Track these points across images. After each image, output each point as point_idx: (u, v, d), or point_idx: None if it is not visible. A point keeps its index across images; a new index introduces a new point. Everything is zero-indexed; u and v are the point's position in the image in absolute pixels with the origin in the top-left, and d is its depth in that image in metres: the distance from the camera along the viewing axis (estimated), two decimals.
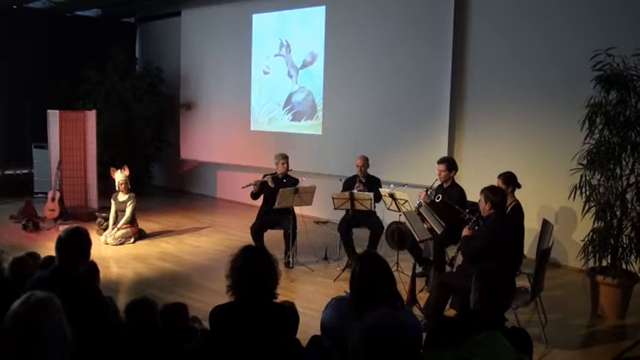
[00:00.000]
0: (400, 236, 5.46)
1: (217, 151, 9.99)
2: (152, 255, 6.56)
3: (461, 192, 5.48)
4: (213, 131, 10.04)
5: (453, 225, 5.01)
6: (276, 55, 9.03)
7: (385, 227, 5.82)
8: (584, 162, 4.72)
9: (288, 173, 6.33)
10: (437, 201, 5.45)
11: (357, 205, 6.03)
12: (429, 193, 5.59)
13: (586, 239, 4.81)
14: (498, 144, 6.92)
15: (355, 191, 6.11)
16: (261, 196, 6.35)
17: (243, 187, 6.33)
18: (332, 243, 6.72)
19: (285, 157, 6.29)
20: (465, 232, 4.45)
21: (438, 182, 5.62)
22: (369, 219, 6.13)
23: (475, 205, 4.63)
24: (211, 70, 9.94)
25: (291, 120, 9.06)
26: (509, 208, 4.93)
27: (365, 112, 8.05)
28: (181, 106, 10.39)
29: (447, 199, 5.36)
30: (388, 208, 5.95)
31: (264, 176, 6.34)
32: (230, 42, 9.52)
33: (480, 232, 4.27)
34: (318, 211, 8.13)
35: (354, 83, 8.13)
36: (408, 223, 5.15)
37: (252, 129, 9.50)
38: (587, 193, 4.68)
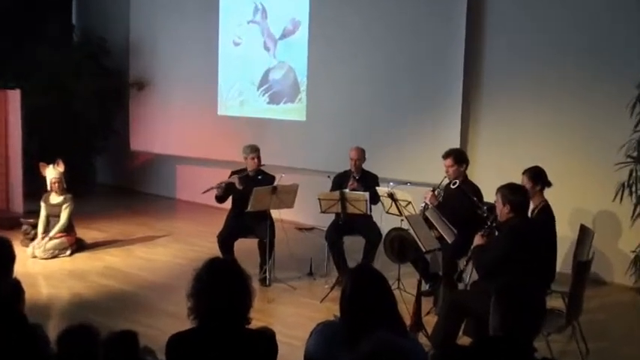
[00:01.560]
0: (402, 246, 5.49)
1: (176, 142, 9.97)
2: (94, 271, 6.58)
3: (475, 190, 5.55)
4: (172, 116, 10.02)
5: (467, 231, 5.03)
6: (249, 22, 9.05)
7: (384, 235, 5.85)
8: (635, 154, 4.63)
9: (262, 168, 6.39)
10: (452, 187, 5.51)
11: (349, 207, 6.07)
12: (436, 193, 5.62)
13: (638, 250, 4.75)
14: (522, 135, 6.99)
15: (347, 190, 6.16)
16: (230, 198, 6.41)
17: (203, 193, 6.38)
18: (318, 255, 6.76)
19: (256, 150, 6.34)
20: (478, 240, 4.47)
21: (447, 180, 5.68)
22: (363, 225, 6.21)
23: (493, 206, 4.65)
24: (169, 41, 9.82)
25: (268, 103, 9.06)
26: (536, 211, 4.98)
27: (359, 95, 8.12)
28: (131, 86, 10.32)
29: (459, 201, 5.44)
30: (387, 212, 5.98)
31: (232, 174, 6.39)
32: (192, 6, 9.49)
33: (498, 241, 4.31)
34: (301, 215, 8.18)
35: (346, 58, 8.17)
36: (411, 230, 5.17)
37: (219, 114, 9.51)
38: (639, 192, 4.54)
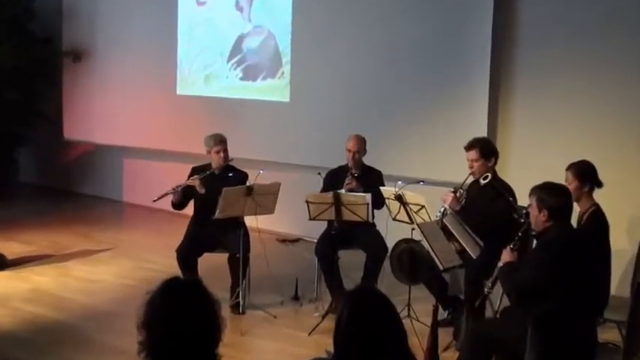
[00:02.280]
0: (413, 263, 5.51)
1: (123, 129, 9.99)
2: (17, 295, 6.57)
3: (508, 190, 5.58)
4: (117, 97, 10.02)
5: (498, 243, 5.02)
6: None
7: (390, 248, 5.84)
8: None
9: (231, 164, 6.49)
10: (481, 185, 5.55)
11: (345, 213, 6.09)
12: (458, 195, 5.64)
13: None
14: (566, 123, 7.06)
15: (343, 191, 6.19)
16: (192, 202, 6.51)
17: (155, 200, 6.43)
18: (306, 274, 6.80)
19: (222, 142, 6.41)
20: (506, 256, 4.51)
21: (472, 179, 5.72)
22: (364, 235, 6.26)
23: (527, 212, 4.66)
24: (112, 1, 9.94)
25: (242, 79, 9.09)
26: (584, 218, 5.02)
27: (358, 69, 8.16)
28: (65, 56, 10.35)
29: (489, 203, 5.46)
30: (394, 219, 6.01)
31: (193, 172, 6.46)
32: None
33: (533, 257, 4.34)
34: (283, 223, 8.20)
35: (342, 21, 8.20)
36: (425, 242, 5.19)
37: (179, 93, 9.55)
38: None
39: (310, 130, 8.49)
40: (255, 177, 6.24)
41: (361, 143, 6.42)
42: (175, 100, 9.52)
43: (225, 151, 6.42)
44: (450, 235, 5.33)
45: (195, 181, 6.29)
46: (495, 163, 5.69)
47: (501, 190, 5.41)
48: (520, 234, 4.57)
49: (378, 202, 6.11)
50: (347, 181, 6.26)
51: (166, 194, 6.35)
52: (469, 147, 5.65)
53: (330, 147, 7.38)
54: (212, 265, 6.33)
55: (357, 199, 6.03)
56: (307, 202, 6.11)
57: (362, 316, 2.63)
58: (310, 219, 6.17)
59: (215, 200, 6.02)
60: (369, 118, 7.92)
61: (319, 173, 6.49)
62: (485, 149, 5.63)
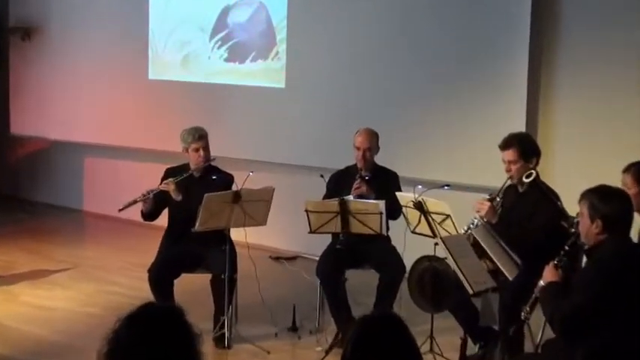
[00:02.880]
0: (437, 285, 5.49)
1: (84, 122, 10.01)
2: None
3: (553, 199, 5.57)
4: (75, 83, 10.04)
5: (540, 261, 4.98)
6: None
7: (408, 268, 5.85)
8: None
9: (213, 164, 6.52)
10: (526, 180, 5.50)
11: (354, 224, 6.09)
12: (495, 203, 5.62)
13: None
14: (619, 119, 7.04)
15: (351, 198, 6.16)
16: (166, 211, 6.55)
17: (120, 210, 6.40)
18: (305, 299, 6.82)
19: (202, 137, 6.44)
20: (550, 274, 4.50)
21: (510, 182, 5.72)
22: (377, 252, 6.29)
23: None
24: None
25: (227, 60, 9.12)
26: None
27: (369, 49, 8.18)
28: (11, 34, 10.36)
29: (532, 210, 5.46)
30: (413, 231, 6.02)
31: (167, 174, 6.49)
32: None
33: (583, 277, 4.33)
34: (278, 236, 8.23)
35: None
36: (451, 260, 5.18)
37: (150, 78, 9.59)
38: None
39: (311, 123, 8.50)
40: (244, 180, 6.20)
41: (373, 139, 6.44)
42: (147, 86, 9.55)
43: (207, 148, 6.44)
44: (481, 252, 5.32)
45: (170, 186, 6.31)
46: (537, 163, 5.66)
47: (548, 194, 5.42)
48: (567, 247, 4.56)
49: (394, 210, 6.12)
50: (355, 185, 6.27)
51: (135, 202, 6.35)
52: (505, 145, 5.62)
53: (335, 144, 7.41)
54: (191, 288, 6.33)
55: (368, 208, 6.03)
56: (307, 211, 6.12)
57: (374, 349, 2.63)
58: (311, 232, 6.19)
59: (194, 209, 6.03)
60: (383, 108, 7.93)
61: (322, 176, 6.47)
62: (525, 148, 5.60)
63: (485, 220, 5.54)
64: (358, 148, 6.41)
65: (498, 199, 5.65)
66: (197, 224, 6.03)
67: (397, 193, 6.12)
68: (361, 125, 6.60)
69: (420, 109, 7.93)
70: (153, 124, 9.34)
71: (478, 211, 5.60)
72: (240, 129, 8.70)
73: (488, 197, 5.67)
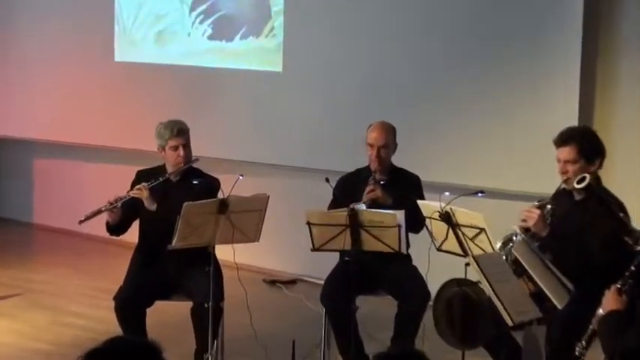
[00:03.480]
0: (468, 315, 5.47)
1: (33, 115, 10.05)
2: None
3: (618, 204, 5.55)
4: (23, 67, 10.09)
5: (600, 287, 4.94)
6: None
7: (433, 294, 5.84)
8: None
9: (194, 165, 6.55)
10: (578, 186, 5.45)
11: (367, 240, 6.09)
12: (545, 211, 5.61)
13: None
14: None
15: (363, 206, 6.19)
16: (137, 223, 6.56)
17: (81, 222, 6.44)
18: (307, 332, 6.85)
19: (181, 133, 6.47)
20: (611, 300, 4.51)
21: (564, 186, 5.71)
22: (395, 274, 6.33)
23: None
24: None
25: (211, 37, 9.19)
26: None
27: (385, 25, 8.20)
28: None
29: (589, 222, 5.46)
30: (439, 248, 6.01)
31: (138, 179, 6.52)
32: None
33: None
34: (273, 255, 8.29)
35: None
36: (486, 285, 5.17)
37: (117, 60, 9.64)
38: None
39: (314, 116, 8.53)
40: (232, 186, 6.16)
41: (389, 135, 6.49)
42: (112, 70, 9.59)
43: (187, 146, 6.46)
44: (521, 270, 5.33)
45: (143, 192, 6.32)
46: (600, 165, 5.64)
47: (609, 203, 5.37)
48: (633, 268, 4.57)
49: (415, 222, 6.13)
50: (368, 188, 6.30)
51: (99, 212, 6.36)
52: (562, 141, 5.61)
53: (344, 141, 7.48)
54: (168, 319, 6.41)
55: (384, 220, 6.01)
56: (309, 223, 6.11)
57: None
58: (314, 249, 6.18)
59: (171, 221, 5.98)
60: (401, 99, 7.97)
61: (327, 180, 6.43)
62: (588, 145, 5.58)
63: (534, 230, 5.51)
64: (372, 146, 6.44)
65: (549, 208, 5.62)
66: (174, 240, 5.98)
67: (419, 202, 6.10)
68: (375, 118, 6.63)
69: (448, 102, 7.98)
70: (120, 117, 9.37)
71: (524, 221, 5.57)
72: (228, 123, 8.75)
73: (536, 204, 5.65)
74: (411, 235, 6.24)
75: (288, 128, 8.65)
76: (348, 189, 6.50)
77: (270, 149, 8.67)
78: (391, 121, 6.60)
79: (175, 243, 6.01)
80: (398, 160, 6.56)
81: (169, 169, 6.49)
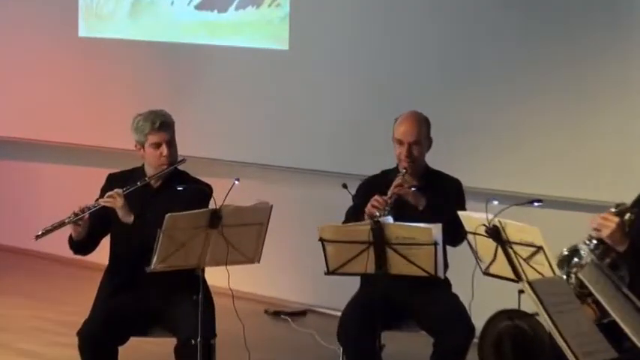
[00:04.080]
0: (521, 356, 5.43)
1: None
2: None
3: None
4: None
5: None
6: None
7: (478, 330, 5.81)
8: None
9: (181, 168, 6.61)
10: None
11: (394, 260, 6.08)
12: (626, 219, 5.50)
13: None
14: None
15: (390, 219, 6.16)
16: (108, 239, 6.60)
17: (38, 237, 6.41)
18: None
19: (165, 126, 6.51)
20: None
21: None
22: (429, 304, 6.37)
23: None
24: None
25: (200, 7, 9.28)
26: None
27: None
28: None
29: None
30: (486, 272, 5.96)
31: (109, 185, 6.58)
32: None
33: None
34: (278, 280, 8.35)
35: None
36: (545, 317, 5.13)
37: (82, 35, 9.75)
38: None
39: (329, 106, 8.59)
40: (227, 193, 6.12)
41: (422, 128, 6.54)
42: (76, 48, 9.71)
43: (172, 143, 6.50)
44: (586, 295, 5.33)
45: (117, 201, 6.34)
46: None
47: None
48: None
49: (455, 236, 6.17)
50: (395, 183, 6.39)
51: (61, 225, 6.35)
52: None
53: (365, 137, 7.57)
54: (145, 358, 6.35)
55: (417, 234, 5.97)
56: (322, 240, 6.09)
57: None
58: (328, 273, 6.15)
59: (151, 237, 5.96)
60: (437, 87, 8.06)
61: (345, 186, 6.44)
62: None
63: (605, 245, 5.44)
64: (400, 143, 6.49)
65: (629, 216, 5.55)
66: (154, 261, 5.94)
67: (461, 213, 6.05)
68: (403, 109, 6.70)
69: (497, 90, 8.08)
70: (86, 107, 9.46)
71: (597, 230, 5.49)
72: (221, 114, 8.82)
73: (614, 210, 5.55)
74: (450, 255, 6.27)
75: (296, 121, 8.72)
76: (370, 196, 6.44)
77: (273, 148, 8.73)
78: (427, 113, 6.63)
79: (155, 264, 5.96)
80: (433, 160, 6.60)
81: (149, 171, 6.52)
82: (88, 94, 9.51)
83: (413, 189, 6.43)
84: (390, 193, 6.28)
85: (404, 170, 6.48)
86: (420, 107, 6.72)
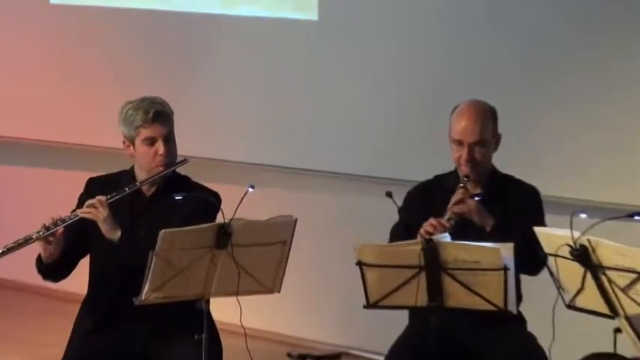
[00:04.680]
0: None
1: None
2: None
3: None
4: None
5: None
6: None
7: None
8: None
9: (178, 170, 6.65)
10: None
11: (452, 290, 6.00)
12: None
13: None
14: None
15: (446, 237, 6.10)
16: (88, 262, 6.59)
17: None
18: None
19: (161, 117, 6.50)
20: None
21: None
22: (498, 345, 6.34)
23: None
24: None
25: None
26: None
27: None
28: None
29: None
30: (570, 305, 5.89)
31: (89, 189, 6.63)
32: None
33: None
34: (303, 316, 8.33)
35: None
36: None
37: (54, 2, 9.86)
38: None
39: (365, 92, 8.57)
40: (239, 203, 6.07)
41: (487, 123, 6.52)
42: (47, 19, 9.83)
43: (170, 139, 6.49)
44: None
45: (99, 212, 6.29)
46: None
47: None
48: None
49: (531, 262, 6.13)
50: (456, 196, 6.37)
51: (27, 242, 6.33)
52: None
53: (414, 133, 7.58)
54: None
55: (482, 257, 5.86)
56: (360, 263, 6.01)
57: None
58: (368, 306, 6.08)
59: (140, 259, 5.89)
60: (509, 69, 8.12)
61: (389, 194, 6.36)
62: None
63: None
64: (459, 143, 6.46)
65: None
66: (145, 290, 5.88)
67: (539, 229, 5.97)
68: (462, 96, 6.73)
69: (585, 75, 8.17)
70: (61, 96, 9.45)
71: None
72: (233, 104, 8.81)
73: None
74: (524, 283, 6.32)
75: (327, 112, 8.75)
76: (422, 208, 6.52)
77: (296, 146, 8.77)
78: (497, 105, 6.67)
79: (146, 295, 5.90)
80: (502, 162, 6.61)
81: (141, 175, 6.50)
82: (62, 77, 9.55)
83: (476, 198, 6.40)
84: (448, 213, 6.24)
85: (465, 179, 6.45)
86: (489, 97, 6.71)
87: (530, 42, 8.26)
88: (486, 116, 6.50)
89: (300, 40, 8.91)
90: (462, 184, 6.40)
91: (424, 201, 6.58)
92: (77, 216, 6.30)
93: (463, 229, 6.24)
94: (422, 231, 6.24)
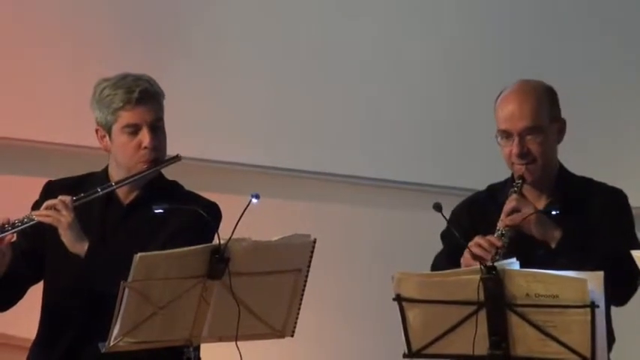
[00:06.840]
0: None
1: None
2: None
3: None
4: None
5: None
6: None
7: None
8: None
9: (162, 172, 6.53)
10: None
11: (521, 334, 5.66)
12: None
13: None
14: None
15: (513, 263, 5.78)
16: (41, 293, 6.48)
17: None
18: None
19: (148, 97, 6.31)
20: None
21: None
22: None
23: None
24: None
25: None
26: None
27: None
28: None
29: None
30: None
31: (48, 192, 6.45)
32: None
33: None
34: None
35: None
36: None
37: None
38: None
39: (402, 80, 8.31)
40: (239, 217, 5.67)
41: (542, 105, 6.32)
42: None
43: (157, 127, 6.30)
44: None
45: (61, 215, 6.05)
46: None
47: None
48: None
49: (620, 289, 5.97)
50: (508, 204, 6.14)
51: None
52: None
53: (465, 134, 7.36)
54: None
55: (559, 287, 5.48)
56: (399, 298, 5.64)
57: None
58: (409, 355, 5.72)
59: (111, 285, 5.58)
60: (573, 52, 7.94)
61: (438, 207, 6.00)
62: None
63: None
64: (507, 134, 6.27)
65: None
66: (114, 334, 5.52)
67: (635, 253, 5.61)
68: (513, 77, 6.66)
69: None
70: (13, 81, 9.11)
71: None
72: (235, 91, 8.55)
73: None
74: (615, 318, 6.12)
75: (354, 104, 8.53)
76: (475, 226, 6.30)
77: (314, 146, 8.46)
78: (569, 97, 6.67)
79: (116, 340, 5.54)
80: (574, 163, 6.48)
81: (118, 175, 6.31)
82: (14, 54, 9.30)
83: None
84: (499, 227, 5.93)
85: (519, 182, 6.23)
86: (561, 90, 6.52)
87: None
88: (539, 96, 6.29)
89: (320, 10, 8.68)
90: (514, 188, 6.15)
91: (473, 219, 6.38)
92: (33, 220, 6.07)
93: (522, 245, 5.97)
94: (468, 255, 5.91)
